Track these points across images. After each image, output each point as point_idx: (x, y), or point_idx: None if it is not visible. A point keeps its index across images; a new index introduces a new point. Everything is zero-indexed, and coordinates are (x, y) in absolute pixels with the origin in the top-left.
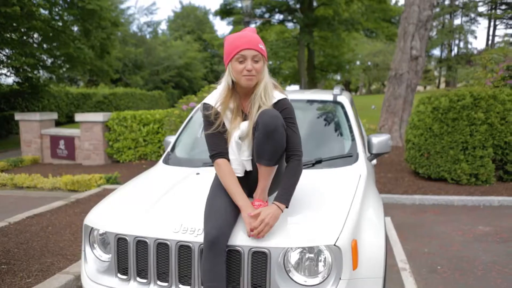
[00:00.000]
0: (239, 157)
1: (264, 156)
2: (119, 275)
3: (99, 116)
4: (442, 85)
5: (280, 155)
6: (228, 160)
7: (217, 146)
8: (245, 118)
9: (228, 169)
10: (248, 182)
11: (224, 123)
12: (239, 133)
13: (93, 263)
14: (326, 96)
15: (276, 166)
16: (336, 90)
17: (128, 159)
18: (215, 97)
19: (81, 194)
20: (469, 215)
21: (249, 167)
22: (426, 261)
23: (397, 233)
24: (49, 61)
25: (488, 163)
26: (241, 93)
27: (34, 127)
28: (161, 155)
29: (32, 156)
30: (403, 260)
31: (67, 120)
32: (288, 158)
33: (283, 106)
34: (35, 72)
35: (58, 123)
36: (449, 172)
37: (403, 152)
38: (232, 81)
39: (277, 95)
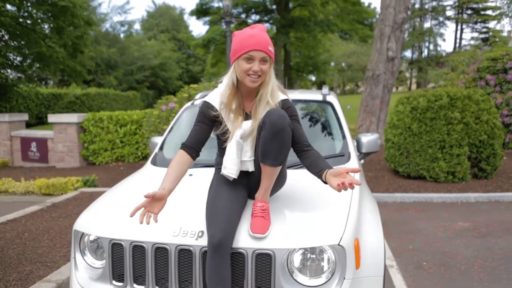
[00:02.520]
0: (238, 158)
1: (269, 156)
2: (114, 282)
3: (73, 117)
4: (414, 86)
5: (285, 155)
6: (191, 156)
7: (195, 139)
8: (247, 117)
9: (180, 159)
10: (249, 183)
11: (226, 126)
12: (241, 132)
13: (84, 271)
14: (316, 96)
15: (280, 167)
16: (325, 90)
17: (105, 161)
18: (217, 97)
19: (57, 198)
20: (448, 212)
21: (251, 168)
22: (412, 257)
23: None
24: (18, 59)
25: (464, 161)
26: (243, 92)
27: (3, 128)
28: (139, 157)
29: (1, 159)
30: (389, 257)
31: (37, 121)
32: (305, 151)
33: (287, 105)
34: (2, 71)
35: (28, 125)
36: (428, 170)
37: (382, 151)
38: (237, 79)
39: (280, 96)
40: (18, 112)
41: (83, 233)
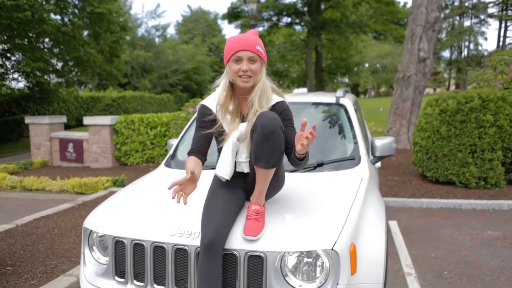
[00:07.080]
0: (232, 160)
1: (261, 158)
2: (116, 278)
3: (107, 119)
4: (452, 87)
5: (278, 157)
6: (201, 160)
7: (198, 144)
8: (243, 119)
9: (193, 159)
10: (246, 184)
11: (222, 125)
12: (237, 134)
13: (91, 266)
14: (329, 98)
15: (274, 169)
16: (339, 92)
17: (136, 162)
18: (214, 100)
19: (88, 196)
20: (477, 219)
21: (246, 169)
22: (433, 266)
23: (404, 237)
24: (59, 65)
25: (498, 166)
26: (239, 94)
27: (43, 130)
28: None
29: (42, 159)
30: (408, 265)
31: (77, 123)
32: (289, 154)
33: (281, 108)
34: (46, 76)
35: (68, 126)
36: (457, 175)
37: (411, 155)
38: (231, 83)
39: (275, 98)
40: (60, 114)
41: (91, 230)
